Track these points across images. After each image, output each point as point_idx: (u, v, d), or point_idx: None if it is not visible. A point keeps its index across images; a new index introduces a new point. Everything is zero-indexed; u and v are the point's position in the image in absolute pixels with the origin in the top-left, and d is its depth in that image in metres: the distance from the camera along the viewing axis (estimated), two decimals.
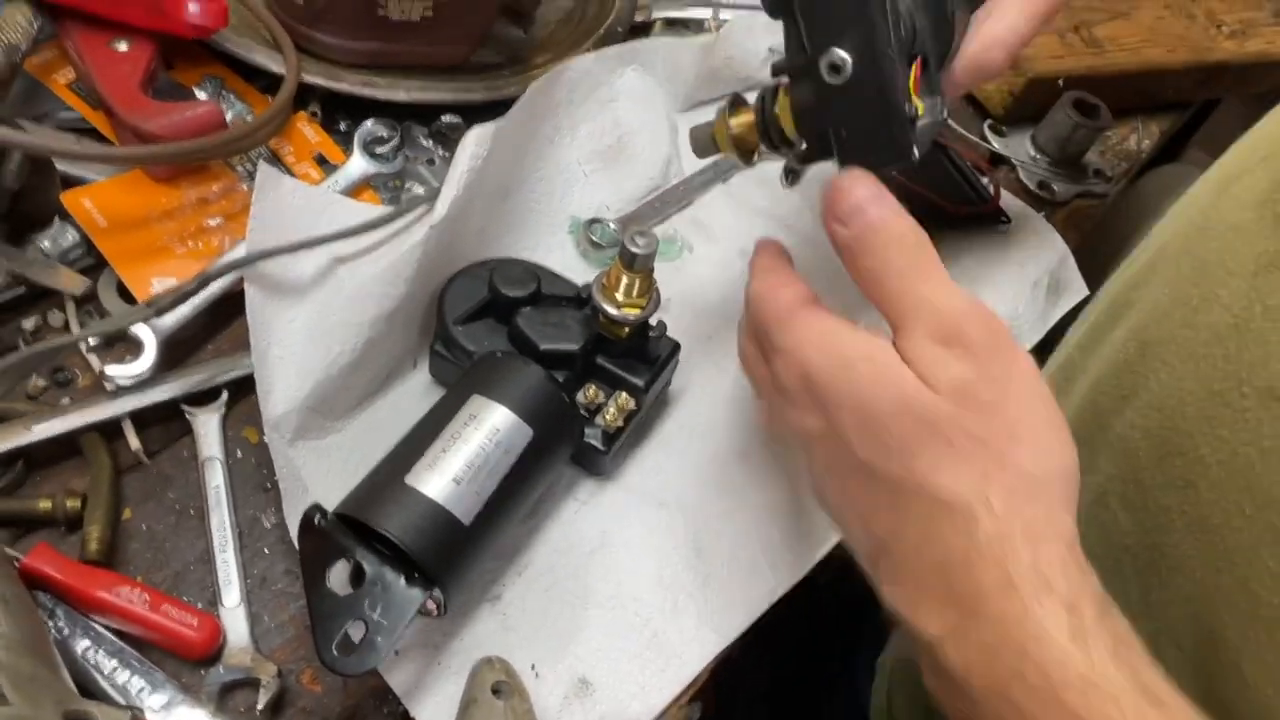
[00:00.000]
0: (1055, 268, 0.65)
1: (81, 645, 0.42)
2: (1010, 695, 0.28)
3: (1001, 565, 0.29)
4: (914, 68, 0.38)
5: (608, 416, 0.48)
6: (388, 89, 0.59)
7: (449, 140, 0.63)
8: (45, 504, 0.45)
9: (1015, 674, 0.28)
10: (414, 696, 0.43)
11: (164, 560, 0.46)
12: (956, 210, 0.65)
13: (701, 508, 0.51)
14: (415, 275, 0.48)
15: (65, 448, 0.47)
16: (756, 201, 0.65)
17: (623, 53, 0.64)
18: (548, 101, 0.58)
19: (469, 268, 0.52)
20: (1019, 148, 0.73)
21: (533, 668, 0.44)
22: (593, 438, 0.48)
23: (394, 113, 0.60)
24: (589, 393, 0.49)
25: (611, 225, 0.60)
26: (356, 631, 0.38)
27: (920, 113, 0.38)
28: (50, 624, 0.41)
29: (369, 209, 0.52)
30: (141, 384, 0.48)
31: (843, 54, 0.35)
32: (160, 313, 0.46)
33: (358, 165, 0.58)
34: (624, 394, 0.49)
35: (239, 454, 0.49)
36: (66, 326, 0.51)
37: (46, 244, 0.51)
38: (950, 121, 0.74)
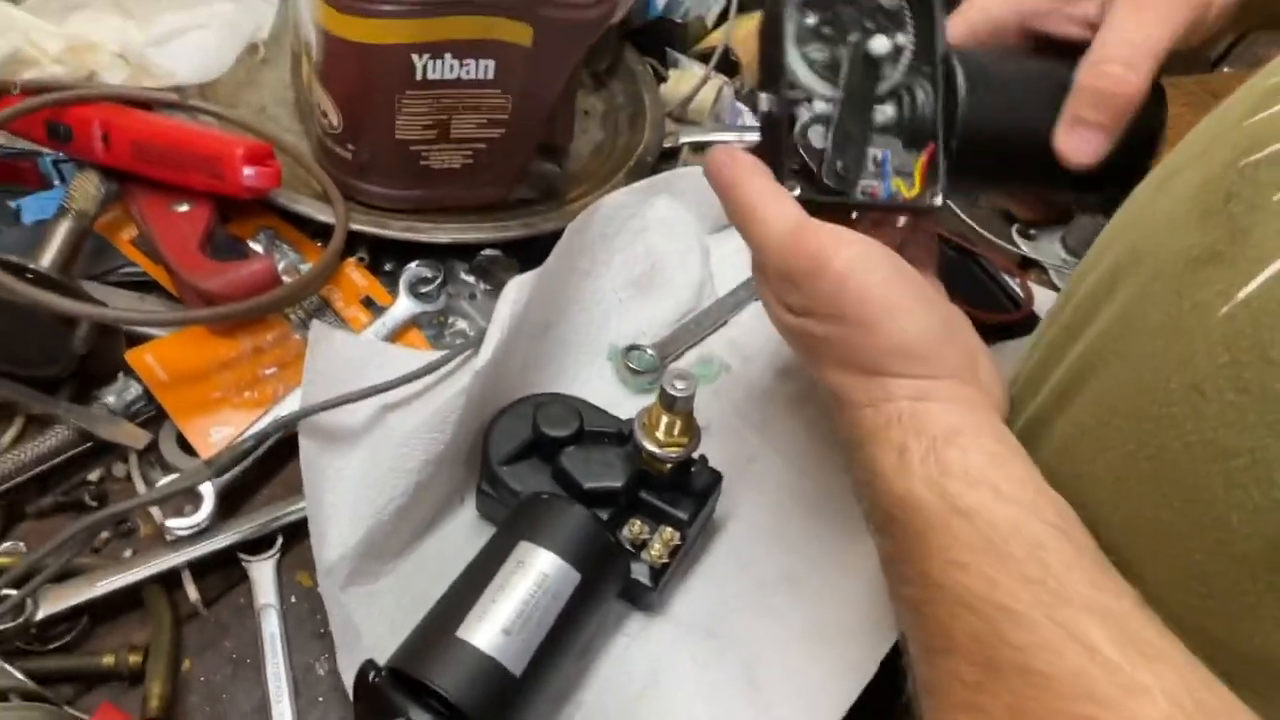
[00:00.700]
0: None
1: None
2: (868, 516, 0.39)
3: (854, 428, 0.39)
4: (924, 153, 0.42)
5: (653, 552, 0.49)
6: (431, 232, 0.62)
7: (490, 274, 0.65)
8: (108, 659, 0.46)
9: (870, 504, 0.39)
10: None
11: (222, 713, 0.46)
12: (990, 319, 0.66)
13: (752, 636, 0.50)
14: (461, 419, 0.49)
15: (128, 599, 0.49)
16: None
17: (653, 184, 0.66)
18: (583, 239, 0.61)
19: (512, 405, 0.53)
20: (1049, 250, 0.74)
21: None
22: (640, 574, 0.48)
23: (436, 252, 0.63)
24: (634, 528, 0.49)
25: (649, 351, 0.61)
26: None
27: (907, 193, 0.42)
28: None
29: (416, 356, 0.54)
30: (199, 532, 0.49)
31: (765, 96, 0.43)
32: (220, 472, 0.47)
33: (404, 307, 0.60)
34: (669, 528, 0.49)
35: (293, 599, 0.50)
36: (129, 477, 0.53)
37: (111, 399, 0.54)
38: (978, 227, 0.75)
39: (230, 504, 0.52)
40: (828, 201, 0.41)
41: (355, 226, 0.61)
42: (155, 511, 0.51)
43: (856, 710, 0.48)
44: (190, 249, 0.55)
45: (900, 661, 0.43)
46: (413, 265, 0.61)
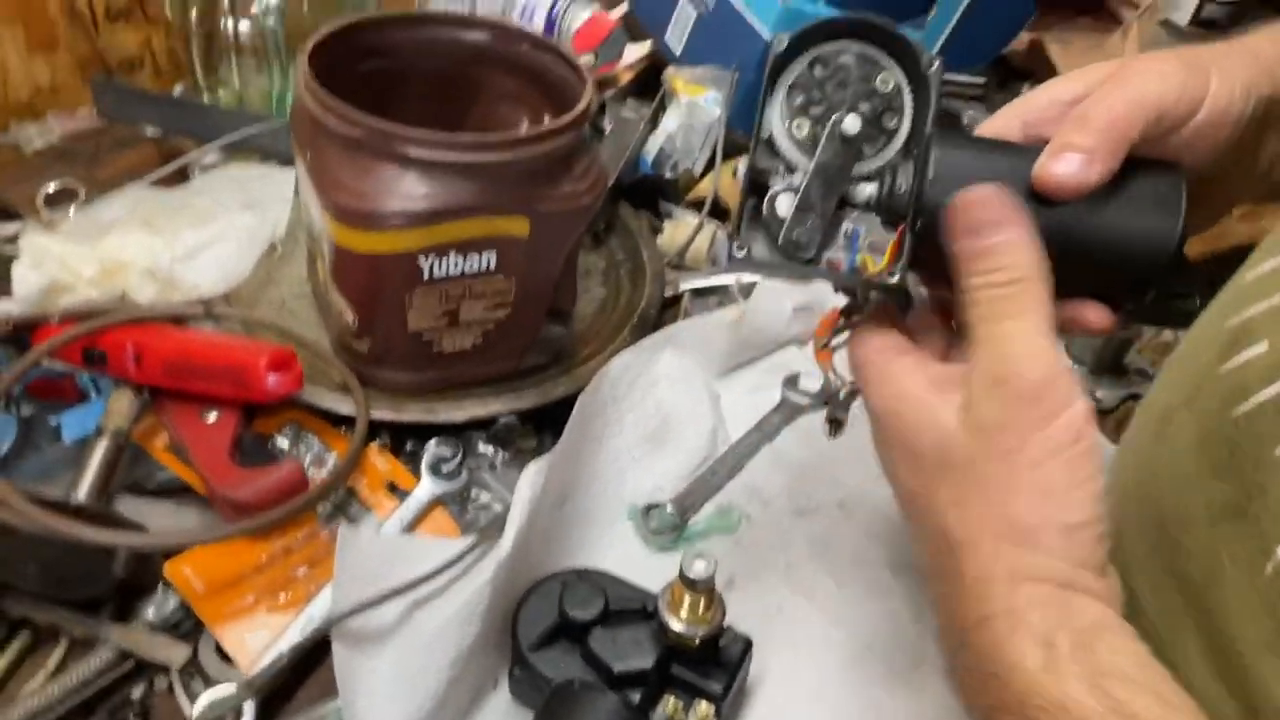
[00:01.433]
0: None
1: None
2: (991, 716, 0.33)
3: (981, 602, 0.33)
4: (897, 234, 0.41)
5: None
6: (448, 412, 0.64)
7: (507, 442, 0.67)
8: None
9: (997, 699, 0.32)
10: None
11: None
12: None
13: None
14: (489, 608, 0.50)
15: None
16: (803, 458, 0.67)
17: (657, 341, 0.68)
18: (594, 404, 0.62)
19: (539, 585, 0.54)
20: None
21: None
22: None
23: (454, 427, 0.65)
24: (668, 705, 0.49)
25: (668, 508, 0.62)
26: None
27: (873, 268, 0.42)
28: None
29: (440, 546, 0.55)
30: None
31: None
32: (260, 693, 0.48)
33: (426, 489, 0.62)
34: (704, 702, 0.49)
35: None
36: (171, 689, 0.54)
37: (151, 612, 0.55)
38: None
39: (268, 709, 0.53)
40: (785, 269, 0.42)
41: (375, 415, 0.63)
42: None
43: None
44: (220, 458, 0.58)
45: None
46: (432, 445, 0.63)
